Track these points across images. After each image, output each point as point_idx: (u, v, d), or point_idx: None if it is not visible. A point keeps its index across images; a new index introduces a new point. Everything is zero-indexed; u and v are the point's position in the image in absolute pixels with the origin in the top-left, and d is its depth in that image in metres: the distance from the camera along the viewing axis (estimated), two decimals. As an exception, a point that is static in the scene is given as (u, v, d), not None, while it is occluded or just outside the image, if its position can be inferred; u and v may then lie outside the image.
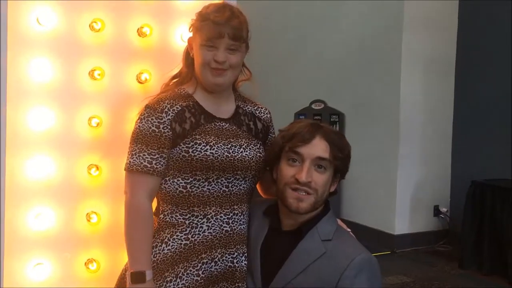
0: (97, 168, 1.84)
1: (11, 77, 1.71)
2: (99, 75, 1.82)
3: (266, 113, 1.81)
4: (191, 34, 1.70)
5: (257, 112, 1.79)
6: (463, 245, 4.39)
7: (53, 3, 1.77)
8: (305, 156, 1.58)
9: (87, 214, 1.83)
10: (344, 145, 1.63)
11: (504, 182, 4.30)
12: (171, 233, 1.62)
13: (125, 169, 1.61)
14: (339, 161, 1.61)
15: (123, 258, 1.79)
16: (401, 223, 4.96)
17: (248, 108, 1.78)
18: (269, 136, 1.80)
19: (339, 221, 1.69)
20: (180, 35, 1.95)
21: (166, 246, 1.61)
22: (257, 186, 1.81)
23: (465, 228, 4.37)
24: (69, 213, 1.82)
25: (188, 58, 1.71)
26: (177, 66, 1.76)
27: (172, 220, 1.63)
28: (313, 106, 5.77)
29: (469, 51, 5.04)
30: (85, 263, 1.84)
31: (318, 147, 1.59)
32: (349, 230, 1.69)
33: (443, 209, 5.12)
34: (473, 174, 4.57)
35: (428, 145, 5.08)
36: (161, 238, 1.62)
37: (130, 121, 1.79)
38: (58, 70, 1.78)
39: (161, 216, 1.65)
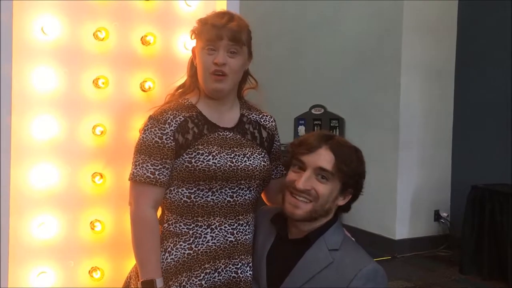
0: (101, 176, 1.84)
1: (15, 86, 1.71)
2: (103, 83, 1.83)
3: (271, 121, 1.80)
4: (194, 43, 1.70)
5: (262, 120, 1.78)
6: (463, 250, 4.39)
7: (57, 12, 1.77)
8: (307, 164, 1.58)
9: (91, 222, 1.84)
10: (353, 160, 1.59)
11: (504, 187, 4.30)
12: (174, 242, 1.62)
13: (129, 179, 1.62)
14: (345, 175, 1.57)
15: (127, 266, 1.80)
16: (401, 228, 4.95)
17: (253, 116, 1.77)
18: (274, 145, 1.79)
19: (345, 231, 1.68)
20: (184, 43, 1.96)
21: (170, 255, 1.61)
22: (262, 194, 1.81)
23: (465, 233, 4.37)
24: (73, 221, 1.82)
25: (193, 68, 1.71)
26: (182, 76, 1.77)
27: (176, 229, 1.62)
28: (313, 111, 5.77)
29: (468, 56, 5.05)
30: (89, 271, 1.84)
31: (322, 157, 1.57)
32: (353, 239, 1.68)
33: (444, 214, 5.12)
34: (473, 179, 4.57)
35: (428, 150, 5.08)
36: (165, 247, 1.62)
37: (134, 129, 1.79)
38: (62, 78, 1.79)
39: (165, 225, 1.64)
